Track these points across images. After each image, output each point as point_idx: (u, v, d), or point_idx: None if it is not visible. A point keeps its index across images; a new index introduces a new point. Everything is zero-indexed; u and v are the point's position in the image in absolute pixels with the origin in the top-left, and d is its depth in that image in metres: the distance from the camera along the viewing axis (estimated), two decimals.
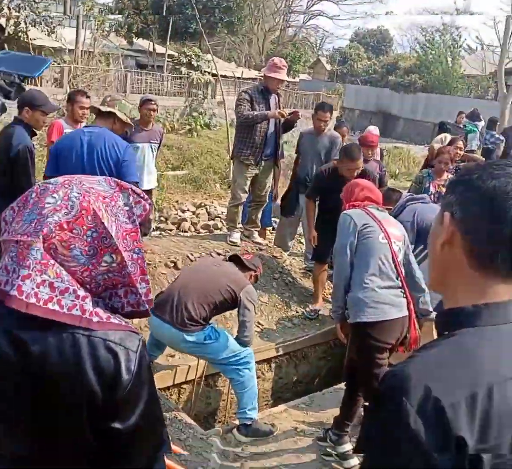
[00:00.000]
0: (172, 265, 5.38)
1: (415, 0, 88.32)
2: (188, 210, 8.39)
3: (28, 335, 1.33)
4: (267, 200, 6.60)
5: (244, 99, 5.91)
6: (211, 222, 7.91)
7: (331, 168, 5.47)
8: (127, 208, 1.46)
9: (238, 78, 22.02)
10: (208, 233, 7.42)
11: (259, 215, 6.56)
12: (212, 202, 8.90)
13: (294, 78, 39.42)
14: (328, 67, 40.47)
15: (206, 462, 3.61)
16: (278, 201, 7.40)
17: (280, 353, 5.21)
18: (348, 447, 3.84)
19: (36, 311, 1.29)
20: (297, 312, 5.68)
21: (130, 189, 1.49)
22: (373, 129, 8.27)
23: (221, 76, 17.69)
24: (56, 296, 1.32)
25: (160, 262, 5.37)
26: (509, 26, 20.69)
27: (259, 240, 6.49)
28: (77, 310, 1.33)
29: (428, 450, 1.02)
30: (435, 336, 3.66)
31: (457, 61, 31.66)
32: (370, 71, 34.54)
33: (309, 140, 6.36)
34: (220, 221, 7.98)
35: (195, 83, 19.01)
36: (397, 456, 1.06)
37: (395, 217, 4.32)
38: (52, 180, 1.44)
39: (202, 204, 8.61)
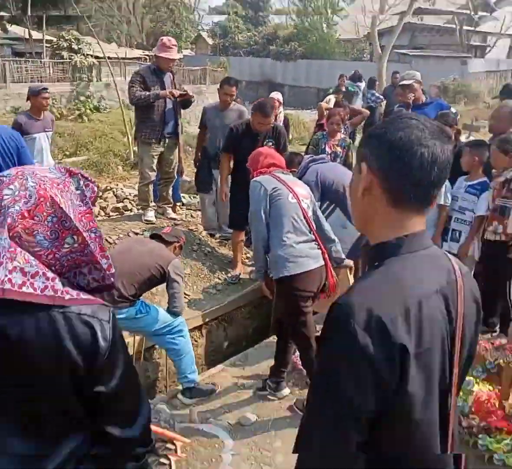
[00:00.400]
0: None
1: None
2: None
3: (5, 320, 1.41)
4: (175, 176, 6.77)
5: (136, 81, 6.00)
6: (120, 205, 7.95)
7: (245, 124, 5.68)
8: (79, 192, 1.55)
9: (123, 58, 21.61)
10: (119, 215, 7.49)
11: (170, 192, 6.73)
12: (118, 185, 8.91)
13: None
14: (210, 41, 40.30)
15: (158, 415, 3.85)
16: (184, 177, 7.57)
17: (208, 319, 5.46)
18: (286, 391, 4.20)
19: (12, 295, 1.37)
20: (219, 279, 5.94)
21: (79, 174, 1.58)
22: (275, 94, 8.56)
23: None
24: (28, 280, 1.40)
25: None
26: None
27: (173, 215, 6.68)
28: (49, 290, 1.42)
29: (376, 362, 1.19)
30: (351, 280, 4.11)
31: (332, 27, 32.47)
32: (251, 42, 34.77)
33: (215, 115, 6.35)
34: (129, 202, 8.03)
35: (78, 67, 18.50)
36: (349, 370, 1.21)
37: (299, 178, 4.64)
38: (4, 173, 1.50)
39: (108, 187, 8.60)
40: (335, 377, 1.24)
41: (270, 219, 3.85)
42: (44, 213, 1.45)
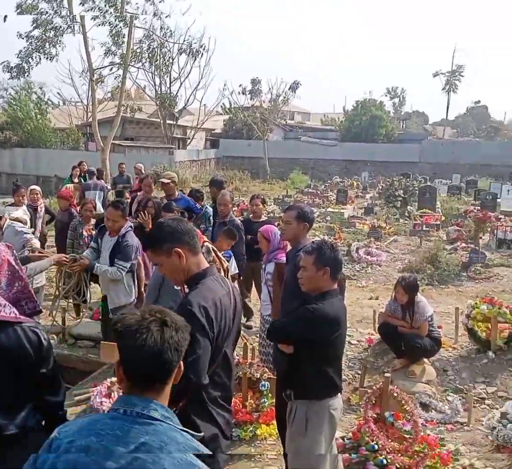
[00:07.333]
0: None
1: None
2: None
3: None
4: None
5: None
6: None
7: None
8: (13, 257, 2.69)
9: None
10: None
11: None
12: None
13: None
14: None
15: None
16: None
17: None
18: None
19: None
20: None
21: (12, 247, 2.76)
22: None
23: None
24: (3, 308, 2.41)
25: None
26: (93, 87, 23.82)
27: None
28: (12, 314, 2.45)
29: (207, 328, 2.47)
30: None
31: (46, 116, 32.88)
32: None
33: None
34: None
35: None
36: (198, 332, 2.39)
37: None
38: None
39: None
40: (199, 338, 2.43)
41: None
42: (5, 269, 2.57)
